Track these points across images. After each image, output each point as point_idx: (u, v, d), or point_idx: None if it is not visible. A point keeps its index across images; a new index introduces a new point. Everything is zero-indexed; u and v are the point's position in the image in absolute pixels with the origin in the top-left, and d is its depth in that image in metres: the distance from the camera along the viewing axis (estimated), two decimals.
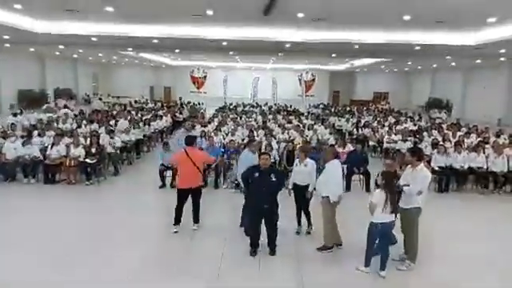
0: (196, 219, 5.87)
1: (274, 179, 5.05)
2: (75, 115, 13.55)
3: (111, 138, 9.34)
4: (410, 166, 4.94)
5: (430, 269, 4.95)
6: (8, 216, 6.56)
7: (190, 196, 5.74)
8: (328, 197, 5.12)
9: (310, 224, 5.84)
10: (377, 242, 4.64)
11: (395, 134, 11.26)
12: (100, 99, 22.85)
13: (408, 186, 4.72)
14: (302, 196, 5.62)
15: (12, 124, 10.27)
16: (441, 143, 9.50)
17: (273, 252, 5.16)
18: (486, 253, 5.49)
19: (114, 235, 5.71)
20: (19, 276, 4.55)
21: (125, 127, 10.66)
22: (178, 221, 5.74)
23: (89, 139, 9.01)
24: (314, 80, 32.00)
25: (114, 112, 15.59)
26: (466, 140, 10.25)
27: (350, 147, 9.40)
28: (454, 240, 5.89)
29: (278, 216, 5.09)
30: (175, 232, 5.65)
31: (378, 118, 15.90)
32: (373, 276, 4.68)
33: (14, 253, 5.12)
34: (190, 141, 5.91)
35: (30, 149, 8.40)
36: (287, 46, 14.10)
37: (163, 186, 8.06)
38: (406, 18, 9.67)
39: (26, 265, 4.79)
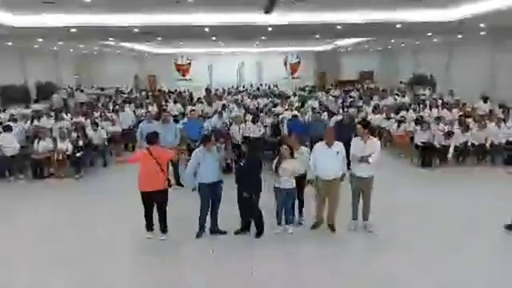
0: (163, 228, 5.36)
1: (242, 164, 5.18)
2: (56, 109, 13.38)
3: (94, 130, 9.28)
4: (360, 138, 5.27)
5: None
6: None
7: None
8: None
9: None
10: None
11: (380, 113, 11.42)
12: (82, 91, 22.45)
13: (369, 156, 5.09)
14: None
15: None
16: (425, 120, 9.71)
17: (258, 235, 5.32)
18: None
19: (99, 234, 5.67)
20: None
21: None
22: (150, 227, 5.37)
23: (74, 132, 8.98)
24: (299, 62, 31.89)
25: (99, 104, 15.47)
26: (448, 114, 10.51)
27: None
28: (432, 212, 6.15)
29: (252, 206, 5.16)
30: (148, 238, 5.33)
31: (364, 98, 16.10)
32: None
33: None
34: (152, 139, 5.30)
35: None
36: (270, 29, 14.02)
37: None
38: None
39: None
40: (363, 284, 4.28)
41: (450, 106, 11.84)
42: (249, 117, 10.09)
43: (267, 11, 5.47)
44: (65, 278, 4.49)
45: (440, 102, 13.13)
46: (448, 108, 11.48)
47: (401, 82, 25.27)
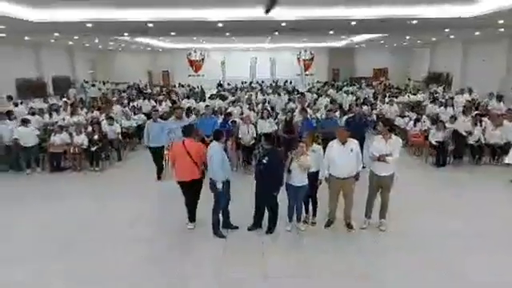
0: (191, 217, 5.59)
1: (264, 161, 5.12)
2: (72, 103, 13.59)
3: (109, 124, 9.42)
4: (381, 136, 5.22)
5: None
6: (14, 206, 6.76)
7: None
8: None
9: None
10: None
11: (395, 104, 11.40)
12: (93, 85, 22.71)
13: (389, 155, 5.04)
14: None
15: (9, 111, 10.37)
16: (440, 119, 9.55)
17: (270, 230, 5.38)
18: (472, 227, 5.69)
19: (114, 227, 5.80)
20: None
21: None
22: (192, 219, 5.57)
23: (90, 127, 9.13)
24: (312, 58, 31.68)
25: (114, 98, 15.68)
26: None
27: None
28: (442, 213, 6.08)
29: (273, 196, 5.15)
30: (190, 228, 5.54)
31: (378, 96, 15.97)
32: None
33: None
34: (188, 131, 5.47)
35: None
36: (283, 24, 13.96)
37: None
38: None
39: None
40: (376, 284, 4.26)
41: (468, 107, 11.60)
42: (258, 113, 10.12)
43: (267, 11, 5.44)
44: (72, 268, 4.61)
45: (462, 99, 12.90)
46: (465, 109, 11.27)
47: (409, 79, 24.98)
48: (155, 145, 7.65)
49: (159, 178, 7.85)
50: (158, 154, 7.78)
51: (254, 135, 8.44)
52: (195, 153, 5.30)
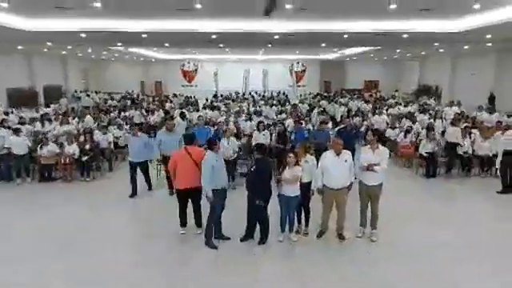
0: (199, 223, 5.69)
1: (252, 169, 5.23)
2: (65, 113, 13.53)
3: (104, 133, 9.40)
4: (369, 146, 5.33)
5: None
6: (11, 210, 6.77)
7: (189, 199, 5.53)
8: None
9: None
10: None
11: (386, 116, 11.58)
12: (88, 95, 22.65)
13: (377, 165, 5.12)
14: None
15: (3, 119, 10.27)
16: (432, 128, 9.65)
17: (262, 241, 5.36)
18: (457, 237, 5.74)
19: (111, 227, 5.85)
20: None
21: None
22: (183, 224, 5.67)
23: (82, 136, 9.09)
24: (304, 70, 32.06)
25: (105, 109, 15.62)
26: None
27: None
28: (432, 224, 6.14)
29: (261, 209, 5.17)
30: (182, 233, 5.62)
31: (370, 106, 16.18)
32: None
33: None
34: (190, 139, 5.71)
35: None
36: (276, 37, 14.16)
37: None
38: (393, 6, 9.77)
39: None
40: None
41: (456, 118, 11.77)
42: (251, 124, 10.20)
43: (267, 13, 5.52)
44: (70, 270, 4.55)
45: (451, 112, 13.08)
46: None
47: (396, 91, 25.34)
48: (137, 160, 7.38)
49: (150, 188, 7.80)
50: (142, 168, 7.53)
51: (236, 149, 8.11)
52: (197, 156, 5.35)
